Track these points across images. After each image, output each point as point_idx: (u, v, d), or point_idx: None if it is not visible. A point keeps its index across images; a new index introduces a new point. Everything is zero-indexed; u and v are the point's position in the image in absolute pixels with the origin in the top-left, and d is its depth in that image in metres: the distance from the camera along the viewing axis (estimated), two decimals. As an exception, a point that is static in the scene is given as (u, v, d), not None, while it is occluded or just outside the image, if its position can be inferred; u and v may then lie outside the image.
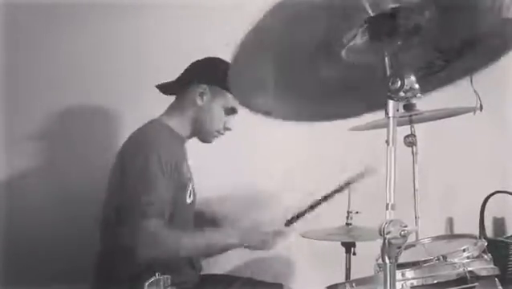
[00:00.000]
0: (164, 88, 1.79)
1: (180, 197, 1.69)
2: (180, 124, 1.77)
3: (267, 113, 1.10)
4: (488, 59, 1.03)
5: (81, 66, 1.92)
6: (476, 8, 0.90)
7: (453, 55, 0.99)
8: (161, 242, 1.54)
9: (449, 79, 1.07)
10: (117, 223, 1.60)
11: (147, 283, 1.21)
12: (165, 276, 1.24)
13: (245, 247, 1.70)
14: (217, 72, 1.66)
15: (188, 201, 1.75)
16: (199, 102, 1.75)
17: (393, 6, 0.90)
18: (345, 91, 1.08)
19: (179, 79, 1.79)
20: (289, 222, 1.84)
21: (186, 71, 1.79)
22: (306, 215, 1.85)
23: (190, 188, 1.76)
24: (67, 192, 1.87)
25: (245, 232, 1.71)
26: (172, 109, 1.80)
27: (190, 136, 1.82)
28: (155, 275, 1.22)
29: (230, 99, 1.74)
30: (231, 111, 1.78)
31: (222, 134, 1.81)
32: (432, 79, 1.02)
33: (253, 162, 2.22)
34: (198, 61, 1.79)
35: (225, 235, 1.70)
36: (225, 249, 1.69)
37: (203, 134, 1.80)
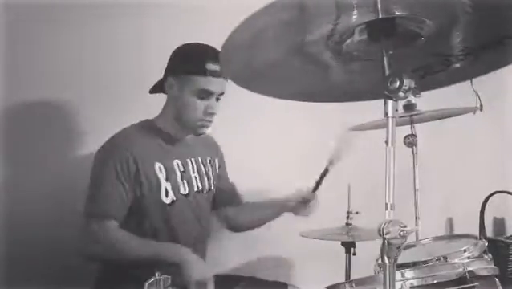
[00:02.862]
0: (153, 88, 1.78)
1: (149, 198, 1.66)
2: (166, 123, 1.74)
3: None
4: (488, 68, 1.03)
5: (81, 66, 1.92)
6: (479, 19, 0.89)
7: (452, 61, 0.98)
8: (104, 241, 1.57)
9: (449, 81, 1.07)
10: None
11: (147, 283, 1.21)
12: (165, 276, 1.24)
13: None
14: (177, 60, 1.70)
15: (166, 200, 1.69)
16: (171, 95, 1.73)
17: (391, 15, 0.89)
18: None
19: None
20: (315, 189, 1.92)
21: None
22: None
23: (167, 187, 1.69)
24: (65, 192, 1.87)
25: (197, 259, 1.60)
26: (162, 109, 1.78)
27: (182, 133, 1.77)
28: (155, 275, 1.22)
29: (198, 82, 1.66)
30: (205, 93, 1.68)
31: (209, 121, 1.72)
32: (431, 80, 1.02)
33: (253, 161, 2.22)
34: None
35: (176, 251, 1.60)
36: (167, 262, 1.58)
37: (187, 127, 1.74)
